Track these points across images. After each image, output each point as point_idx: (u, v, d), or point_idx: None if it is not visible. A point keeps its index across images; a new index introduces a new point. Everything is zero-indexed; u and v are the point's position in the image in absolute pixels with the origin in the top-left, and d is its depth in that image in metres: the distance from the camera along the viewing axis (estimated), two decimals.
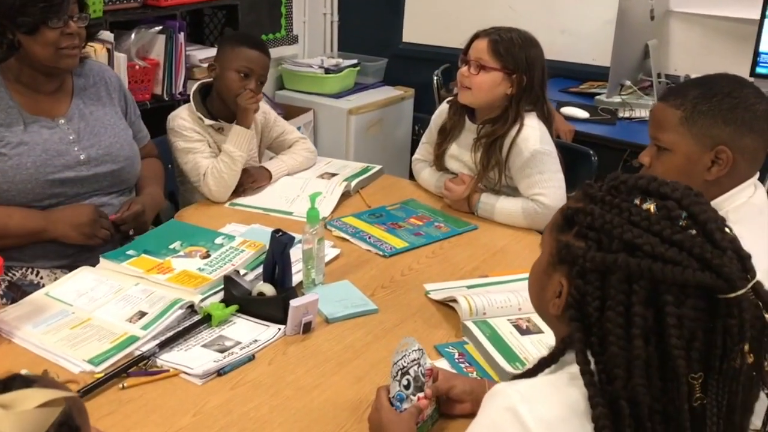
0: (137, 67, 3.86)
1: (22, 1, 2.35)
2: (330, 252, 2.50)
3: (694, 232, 1.22)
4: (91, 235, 2.48)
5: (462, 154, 2.94)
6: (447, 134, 2.98)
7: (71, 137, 2.54)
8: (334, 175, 3.13)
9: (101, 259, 2.38)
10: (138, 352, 1.98)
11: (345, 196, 3.00)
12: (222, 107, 3.02)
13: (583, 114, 3.86)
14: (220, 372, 1.93)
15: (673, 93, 1.93)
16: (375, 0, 5.34)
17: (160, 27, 3.96)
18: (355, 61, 5.05)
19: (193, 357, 1.97)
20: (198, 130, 2.98)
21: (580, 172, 3.08)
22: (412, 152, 3.26)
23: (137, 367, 1.92)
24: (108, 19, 3.70)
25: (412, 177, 3.27)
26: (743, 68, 3.64)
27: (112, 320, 2.10)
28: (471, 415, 1.71)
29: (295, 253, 2.26)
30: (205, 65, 4.07)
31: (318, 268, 2.32)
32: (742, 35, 3.96)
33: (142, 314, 2.12)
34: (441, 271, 2.47)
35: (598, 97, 4.06)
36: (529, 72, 2.76)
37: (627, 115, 3.88)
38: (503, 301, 2.17)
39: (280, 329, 2.10)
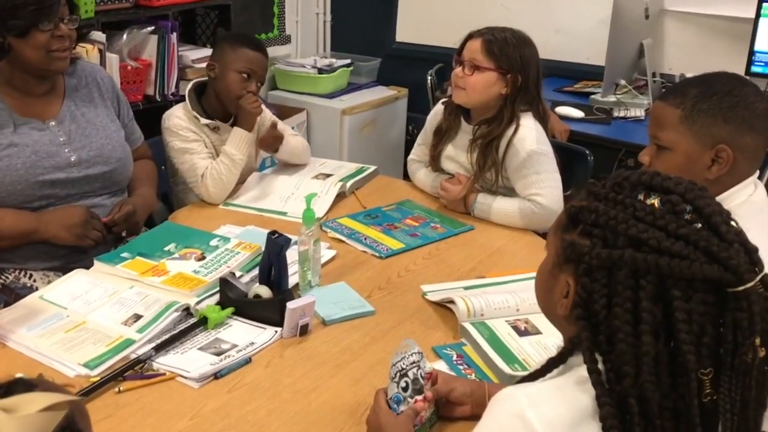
0: (129, 67, 3.85)
1: (13, 3, 2.34)
2: (326, 253, 2.48)
3: (699, 225, 1.21)
4: (83, 236, 2.46)
5: (458, 155, 2.93)
6: (442, 135, 2.97)
7: (61, 139, 2.53)
8: (329, 175, 3.12)
9: (95, 262, 2.37)
10: (134, 356, 1.96)
11: (340, 196, 2.98)
12: (218, 106, 3.00)
13: (577, 113, 3.85)
14: (216, 375, 1.92)
15: (673, 92, 1.92)
16: None
17: (152, 27, 3.95)
18: (348, 61, 5.04)
19: (189, 360, 1.96)
20: (194, 130, 2.96)
21: (576, 171, 3.07)
22: (406, 152, 3.25)
23: (133, 370, 1.91)
24: (100, 20, 3.69)
25: (406, 177, 3.26)
26: (738, 67, 3.63)
27: (108, 323, 2.09)
28: (471, 417, 1.73)
29: (291, 255, 2.24)
30: (198, 65, 4.10)
31: (314, 269, 2.31)
32: (737, 34, 3.96)
33: (138, 317, 2.10)
34: (438, 272, 2.46)
35: (592, 96, 4.06)
36: (523, 71, 2.76)
37: (622, 114, 3.87)
38: (501, 302, 2.16)
39: (276, 332, 2.09)
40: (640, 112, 3.85)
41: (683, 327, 1.17)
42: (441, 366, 1.94)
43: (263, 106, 3.11)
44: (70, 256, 2.51)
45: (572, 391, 1.26)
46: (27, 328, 2.06)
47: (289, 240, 2.18)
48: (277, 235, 2.16)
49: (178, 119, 2.96)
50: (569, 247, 1.30)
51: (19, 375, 1.13)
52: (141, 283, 2.26)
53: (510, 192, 2.84)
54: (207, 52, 4.20)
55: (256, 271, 2.27)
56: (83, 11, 3.42)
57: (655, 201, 1.24)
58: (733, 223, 1.24)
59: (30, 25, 2.36)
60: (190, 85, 3.05)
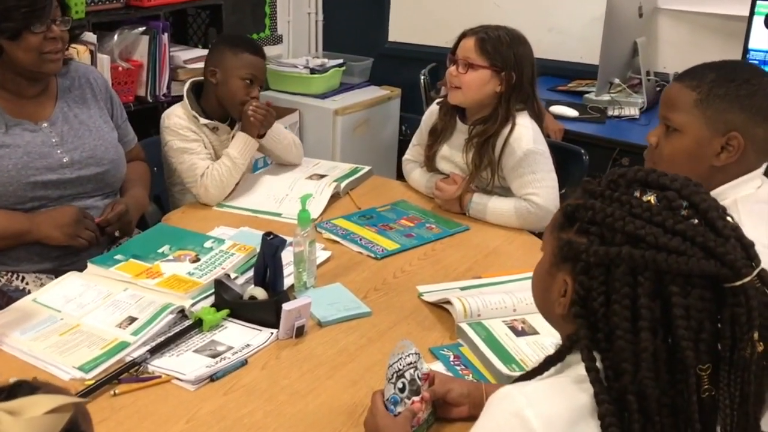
0: (120, 68, 3.83)
1: (4, 6, 2.32)
2: (321, 254, 2.48)
3: (695, 221, 1.22)
4: (75, 236, 2.45)
5: (453, 155, 2.92)
6: (438, 135, 2.96)
7: (54, 140, 2.52)
8: (323, 176, 3.11)
9: (89, 265, 2.35)
10: (129, 358, 1.95)
11: (334, 197, 2.97)
12: (217, 108, 3.00)
13: (572, 113, 3.85)
14: (212, 377, 1.90)
15: (690, 74, 1.87)
16: None
17: (144, 28, 3.93)
18: (340, 61, 5.03)
19: (184, 362, 1.95)
20: (194, 129, 2.96)
21: (571, 171, 3.07)
22: (400, 152, 3.25)
23: (128, 373, 1.90)
24: (90, 20, 3.67)
25: (399, 177, 3.25)
26: None
27: (102, 326, 2.08)
28: (468, 418, 1.73)
29: (286, 256, 2.23)
30: (190, 66, 4.09)
31: (309, 270, 2.30)
32: (731, 32, 3.97)
33: (132, 320, 2.09)
34: (434, 273, 2.45)
35: (586, 95, 4.05)
36: (518, 69, 2.75)
37: (616, 113, 3.87)
38: (498, 302, 2.15)
39: (272, 333, 2.08)
40: (634, 111, 3.85)
41: (681, 323, 1.17)
42: (438, 367, 1.93)
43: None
44: (62, 258, 2.50)
45: (571, 389, 1.26)
46: (20, 332, 2.05)
47: (285, 241, 2.17)
48: (272, 236, 2.15)
49: (179, 118, 2.95)
50: (566, 246, 1.30)
51: (13, 379, 1.12)
52: (135, 286, 2.24)
53: (506, 192, 2.83)
54: (199, 52, 4.20)
55: (251, 273, 2.26)
56: (73, 12, 3.41)
57: (651, 198, 1.25)
58: (729, 218, 1.25)
59: (22, 27, 2.35)
60: (187, 84, 3.04)
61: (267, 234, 2.16)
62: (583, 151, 3.19)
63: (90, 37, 3.60)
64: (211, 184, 2.87)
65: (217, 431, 1.74)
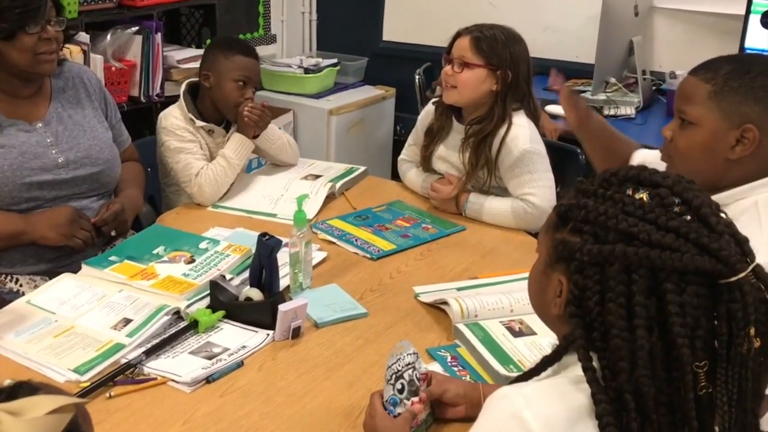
0: (113, 68, 3.82)
1: None
2: (317, 255, 2.46)
3: (688, 217, 1.22)
4: (70, 236, 2.44)
5: (450, 155, 2.91)
6: (434, 136, 2.96)
7: (49, 140, 2.51)
8: (318, 176, 3.10)
9: (83, 266, 2.34)
10: (124, 360, 1.94)
11: (330, 198, 2.96)
12: (213, 110, 2.99)
13: None
14: (208, 379, 1.89)
15: (704, 67, 1.86)
16: None
17: (137, 27, 3.92)
18: (334, 61, 5.01)
19: (180, 364, 1.94)
20: (191, 130, 2.95)
21: (568, 171, 3.06)
22: (394, 152, 3.24)
23: (124, 375, 1.89)
24: (83, 20, 3.66)
25: (394, 177, 3.24)
26: None
27: (97, 328, 2.06)
28: (465, 419, 1.72)
29: (281, 257, 2.22)
30: (183, 66, 4.08)
31: (305, 271, 2.29)
32: (727, 31, 3.97)
33: (127, 321, 2.08)
34: (430, 274, 2.44)
35: (582, 94, 4.03)
36: (513, 67, 2.75)
37: (612, 112, 3.85)
38: (494, 303, 2.14)
39: (268, 335, 2.07)
40: (630, 110, 3.84)
41: (677, 320, 1.17)
42: (435, 368, 1.93)
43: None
44: (57, 260, 2.49)
45: (568, 390, 1.25)
46: (15, 334, 2.03)
47: (280, 242, 2.16)
48: (267, 237, 2.14)
49: (175, 119, 2.95)
50: (560, 246, 1.30)
51: (7, 381, 1.11)
52: (130, 287, 2.23)
53: (502, 192, 2.83)
54: (192, 52, 4.19)
55: (246, 274, 2.25)
56: (66, 12, 3.39)
57: (643, 195, 1.25)
58: (722, 214, 1.25)
59: (16, 28, 2.34)
60: (183, 86, 3.03)
61: (262, 235, 2.15)
62: (579, 150, 3.17)
63: (83, 37, 3.58)
64: (205, 183, 2.86)
65: None
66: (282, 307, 2.04)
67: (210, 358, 1.97)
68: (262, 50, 4.98)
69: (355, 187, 3.13)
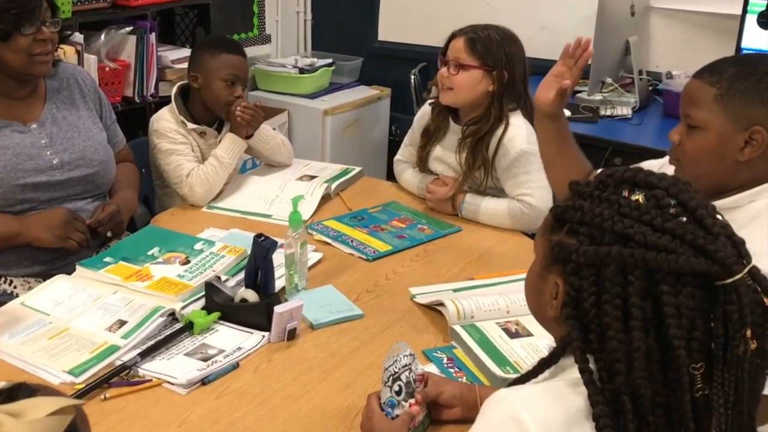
0: (107, 68, 3.81)
1: None
2: (312, 256, 2.46)
3: (684, 219, 1.21)
4: (65, 237, 2.43)
5: (446, 156, 2.91)
6: (431, 136, 2.95)
7: (43, 141, 2.50)
8: (313, 177, 3.09)
9: (77, 267, 2.33)
10: (119, 362, 1.93)
11: (325, 198, 2.96)
12: (204, 112, 2.99)
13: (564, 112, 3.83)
14: (204, 381, 1.89)
15: (709, 70, 1.84)
16: None
17: (131, 27, 3.91)
18: (329, 61, 5.01)
19: (175, 366, 1.93)
20: (182, 133, 2.94)
21: None
22: (390, 153, 3.24)
23: (119, 377, 1.88)
24: (77, 20, 3.64)
25: (389, 178, 3.24)
26: None
27: (91, 329, 2.06)
28: (461, 420, 1.72)
29: (277, 258, 2.21)
30: (177, 66, 4.07)
31: (301, 273, 2.28)
32: (723, 30, 3.95)
33: (122, 323, 2.07)
34: (426, 275, 2.44)
35: (578, 95, 4.02)
36: (509, 67, 2.74)
37: (608, 113, 3.85)
38: (491, 304, 2.14)
39: (264, 336, 2.06)
40: (626, 111, 3.83)
41: (673, 321, 1.17)
42: (432, 369, 1.92)
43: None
44: (52, 263, 2.48)
45: (566, 392, 1.25)
46: (9, 336, 2.03)
47: (276, 243, 2.15)
48: (263, 238, 2.13)
49: (167, 122, 2.94)
50: (556, 247, 1.30)
51: (2, 383, 1.11)
52: (125, 288, 2.23)
53: (498, 193, 2.82)
54: (186, 52, 4.16)
55: (241, 275, 2.24)
56: (60, 12, 3.37)
57: (639, 197, 1.24)
58: (718, 216, 1.24)
59: (12, 29, 2.33)
60: (175, 88, 3.03)
61: (258, 236, 2.14)
62: None
63: (77, 37, 3.57)
64: (196, 183, 2.85)
65: None
66: (277, 309, 2.03)
67: (205, 359, 1.96)
68: (256, 50, 5.00)
69: (351, 187, 3.12)
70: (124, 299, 2.17)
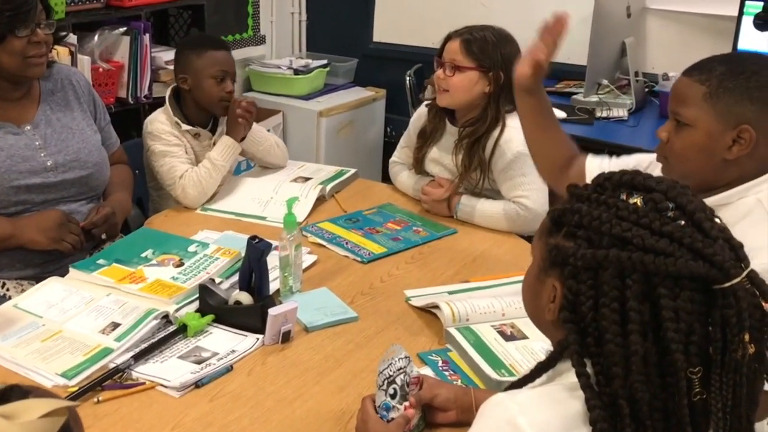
0: (101, 69, 3.78)
1: None
2: (307, 258, 2.45)
3: (682, 222, 1.21)
4: (59, 239, 2.42)
5: (443, 158, 2.90)
6: (427, 138, 2.94)
7: (37, 143, 2.49)
8: (307, 179, 3.08)
9: (71, 269, 2.32)
10: (112, 365, 1.92)
11: (320, 200, 2.95)
12: (198, 113, 2.98)
13: (560, 114, 3.80)
14: (197, 384, 1.88)
15: (698, 68, 1.84)
16: None
17: (125, 28, 3.89)
18: (324, 62, 4.99)
19: (169, 369, 1.92)
20: (176, 134, 2.94)
21: None
22: (385, 154, 3.23)
23: (112, 380, 1.87)
24: (70, 21, 3.62)
25: (384, 180, 3.23)
26: None
27: (85, 332, 2.05)
28: (456, 423, 1.72)
29: (271, 260, 2.20)
30: (171, 67, 4.03)
31: (295, 275, 2.27)
32: (719, 32, 3.95)
33: (116, 325, 2.06)
34: (421, 277, 2.43)
35: (574, 96, 4.02)
36: (505, 69, 2.72)
37: (604, 114, 3.84)
38: (486, 306, 2.13)
39: (258, 339, 2.05)
40: (622, 112, 3.82)
41: (671, 325, 1.16)
42: (427, 372, 1.90)
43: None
44: (45, 265, 2.48)
45: (563, 397, 1.25)
46: (1, 338, 2.02)
47: (270, 245, 2.14)
48: (257, 240, 2.12)
49: (161, 124, 2.93)
50: (554, 251, 1.29)
51: None
52: (118, 291, 2.22)
53: (495, 194, 2.81)
54: None
55: (236, 277, 2.23)
56: (53, 12, 3.37)
57: (637, 200, 1.24)
58: (717, 219, 1.24)
59: (6, 31, 2.33)
60: (168, 90, 3.02)
61: (252, 238, 2.13)
62: None
63: (70, 37, 3.55)
64: (189, 185, 2.84)
65: None
66: (272, 311, 2.02)
67: (199, 362, 1.95)
68: (251, 51, 4.99)
69: (346, 189, 3.11)
70: (118, 301, 2.16)
